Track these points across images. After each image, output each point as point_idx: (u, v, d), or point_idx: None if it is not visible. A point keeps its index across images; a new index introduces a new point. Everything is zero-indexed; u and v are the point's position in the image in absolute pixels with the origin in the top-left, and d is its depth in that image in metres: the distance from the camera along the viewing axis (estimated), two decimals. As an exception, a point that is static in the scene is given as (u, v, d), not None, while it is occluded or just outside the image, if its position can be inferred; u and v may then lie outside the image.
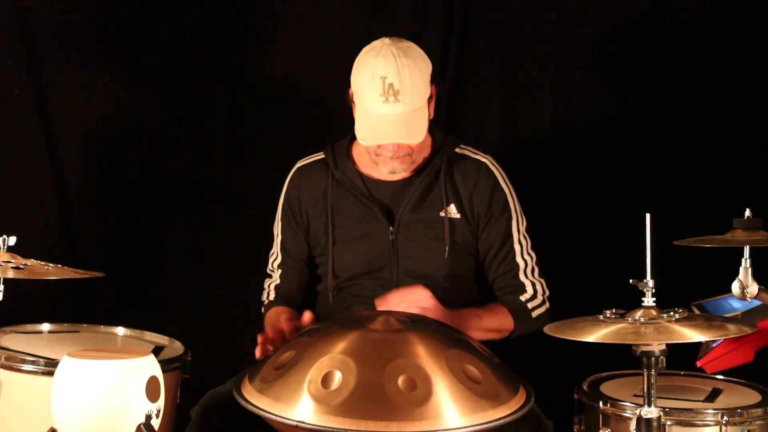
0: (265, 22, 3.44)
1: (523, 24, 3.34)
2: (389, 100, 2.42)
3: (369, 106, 2.45)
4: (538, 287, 2.63)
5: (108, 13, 3.39)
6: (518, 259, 2.63)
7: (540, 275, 2.65)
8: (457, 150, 2.68)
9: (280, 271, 2.74)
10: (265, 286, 2.78)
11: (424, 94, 2.48)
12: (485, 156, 2.69)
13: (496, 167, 2.67)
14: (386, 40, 2.49)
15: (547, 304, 2.64)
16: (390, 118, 2.43)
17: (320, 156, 2.73)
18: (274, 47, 3.44)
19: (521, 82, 3.35)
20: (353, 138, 2.70)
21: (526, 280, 2.63)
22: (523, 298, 2.61)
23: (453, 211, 2.63)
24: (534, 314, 2.60)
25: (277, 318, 2.47)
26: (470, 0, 3.32)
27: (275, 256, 2.77)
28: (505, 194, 2.65)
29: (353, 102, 2.54)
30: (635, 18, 3.28)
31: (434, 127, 2.64)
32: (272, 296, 2.75)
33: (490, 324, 2.55)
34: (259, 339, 2.30)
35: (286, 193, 2.76)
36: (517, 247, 2.63)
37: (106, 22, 3.39)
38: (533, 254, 2.65)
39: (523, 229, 2.66)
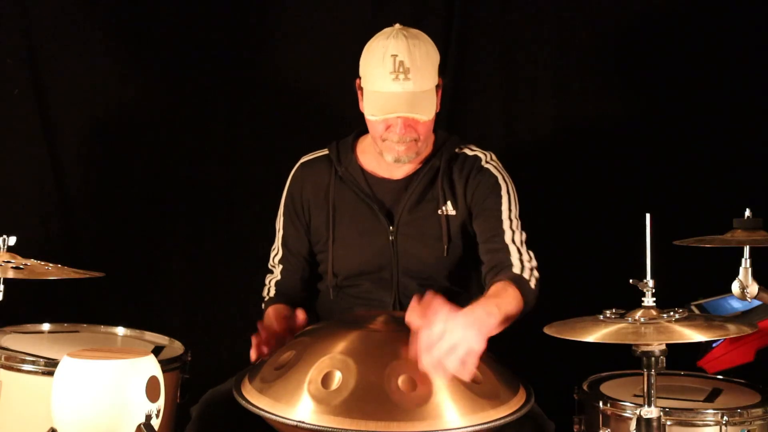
0: (267, 20, 3.44)
1: (523, 24, 3.34)
2: (399, 78, 2.42)
3: (378, 85, 2.45)
4: (526, 262, 2.46)
5: (109, 12, 3.39)
6: (507, 238, 2.50)
7: (527, 250, 2.50)
8: (457, 150, 2.68)
9: (281, 266, 2.74)
10: (266, 281, 2.77)
11: (433, 77, 2.48)
12: (483, 152, 2.67)
13: (488, 159, 2.63)
14: (397, 26, 2.51)
15: (536, 274, 2.45)
16: (399, 96, 2.43)
17: (324, 152, 2.72)
18: (275, 46, 3.44)
19: (521, 83, 3.35)
20: (358, 135, 2.71)
21: (513, 248, 2.48)
22: (516, 270, 2.44)
23: (449, 208, 2.62)
24: (531, 284, 2.42)
25: (272, 319, 2.47)
26: (470, 1, 3.32)
27: (276, 251, 2.76)
28: (495, 177, 2.59)
29: (360, 89, 2.54)
30: (635, 17, 3.28)
31: (436, 127, 2.63)
32: (272, 293, 2.73)
33: (509, 308, 2.30)
34: (254, 341, 2.30)
35: (288, 188, 2.75)
36: (506, 223, 2.53)
37: (107, 21, 3.39)
38: (524, 233, 2.53)
39: (515, 210, 2.55)
